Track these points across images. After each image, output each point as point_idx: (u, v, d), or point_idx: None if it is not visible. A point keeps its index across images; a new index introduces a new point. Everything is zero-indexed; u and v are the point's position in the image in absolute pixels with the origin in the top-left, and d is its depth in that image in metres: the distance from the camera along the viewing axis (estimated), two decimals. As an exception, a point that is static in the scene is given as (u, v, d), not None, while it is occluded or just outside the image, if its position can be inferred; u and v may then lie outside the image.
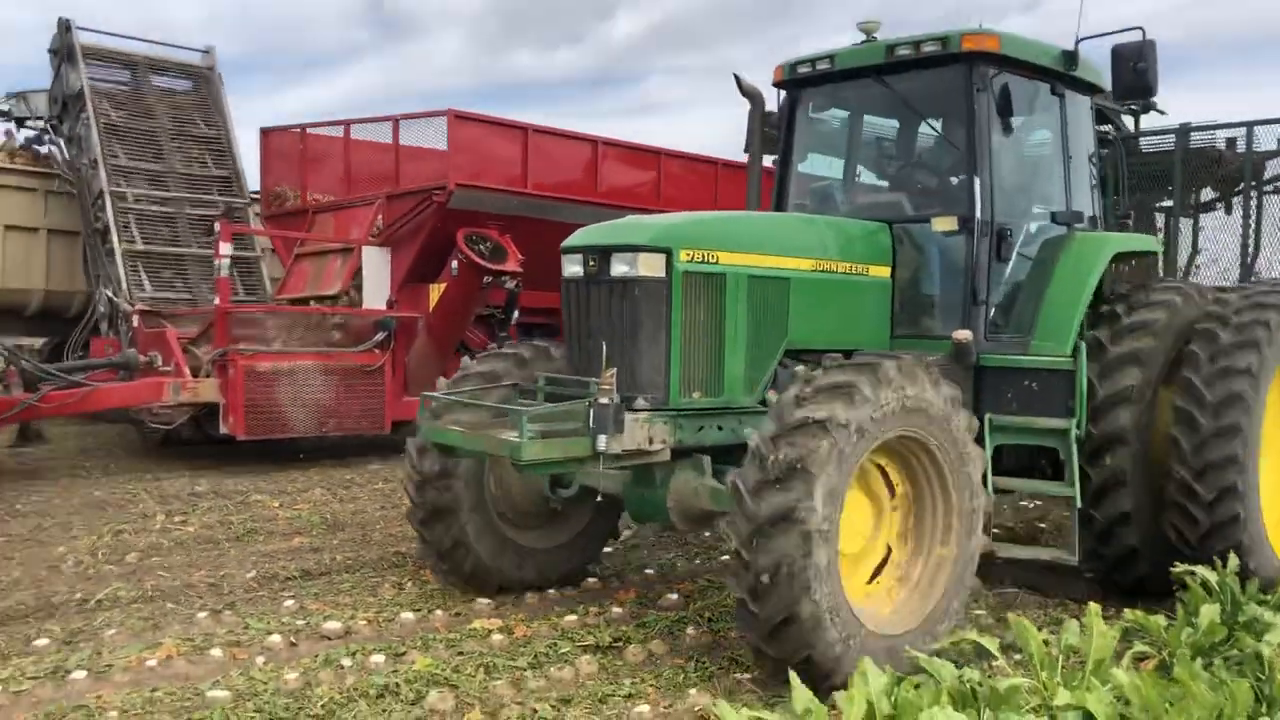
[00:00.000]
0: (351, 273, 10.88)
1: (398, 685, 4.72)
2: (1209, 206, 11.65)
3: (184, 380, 9.45)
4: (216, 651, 5.21)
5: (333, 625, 5.64)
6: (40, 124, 13.77)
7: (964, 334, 6.08)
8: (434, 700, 4.57)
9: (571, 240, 5.71)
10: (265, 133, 13.39)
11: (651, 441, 5.27)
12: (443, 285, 10.53)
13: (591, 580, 6.78)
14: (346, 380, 10.11)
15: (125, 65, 13.92)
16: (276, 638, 5.43)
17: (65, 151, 13.39)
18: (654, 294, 5.33)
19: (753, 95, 7.15)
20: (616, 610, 6.10)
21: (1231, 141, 10.31)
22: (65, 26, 13.34)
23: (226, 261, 9.61)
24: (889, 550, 5.25)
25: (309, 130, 12.62)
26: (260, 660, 5.12)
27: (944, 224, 6.30)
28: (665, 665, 5.15)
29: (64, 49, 13.32)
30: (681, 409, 5.42)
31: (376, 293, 10.83)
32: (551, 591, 6.49)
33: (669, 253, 5.34)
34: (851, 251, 6.23)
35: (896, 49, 6.53)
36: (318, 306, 10.84)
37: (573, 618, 5.90)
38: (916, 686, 3.98)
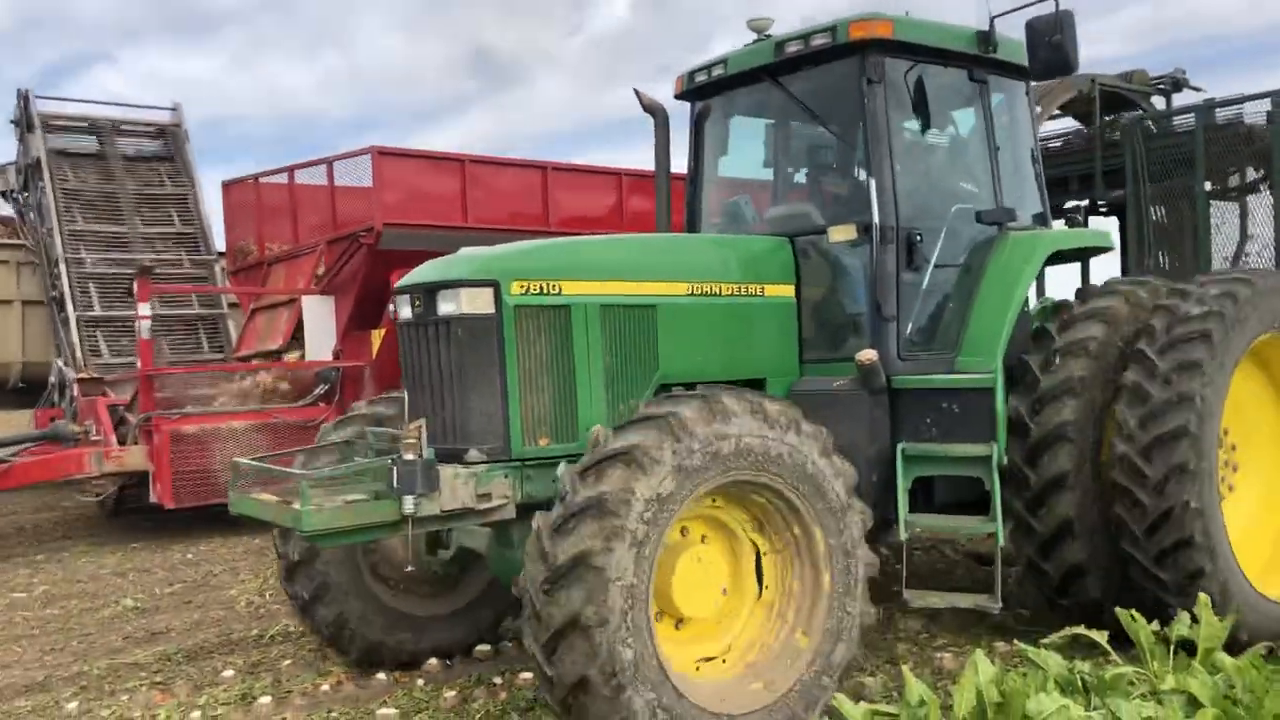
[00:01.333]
0: (293, 325, 10.44)
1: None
2: (1252, 188, 10.79)
3: (107, 449, 9.04)
4: (381, 676, 5.60)
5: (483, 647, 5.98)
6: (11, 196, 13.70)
7: (868, 354, 5.33)
8: None
9: (401, 280, 5.12)
10: (226, 186, 13.10)
11: (488, 498, 4.62)
12: (383, 330, 10.02)
13: (485, 648, 6.09)
14: (288, 437, 9.60)
15: (89, 130, 13.80)
16: (433, 660, 5.77)
17: (29, 221, 13.27)
18: (482, 333, 4.70)
19: (654, 110, 6.52)
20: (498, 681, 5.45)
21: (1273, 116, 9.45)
22: (23, 97, 13.26)
23: (146, 323, 9.20)
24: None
25: (261, 180, 12.29)
26: (420, 682, 5.50)
27: (842, 233, 5.59)
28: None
29: (24, 119, 13.23)
30: (527, 458, 4.76)
31: (321, 343, 10.36)
32: (453, 660, 5.88)
33: (496, 286, 4.71)
34: (741, 271, 5.55)
35: (785, 45, 5.88)
36: (257, 363, 10.41)
37: (451, 694, 5.25)
38: (1024, 675, 4.13)
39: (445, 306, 4.72)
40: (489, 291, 4.70)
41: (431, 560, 5.57)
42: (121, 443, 9.29)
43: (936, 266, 5.75)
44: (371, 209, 9.81)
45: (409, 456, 4.32)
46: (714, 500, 4.36)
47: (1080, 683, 4.17)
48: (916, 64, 5.64)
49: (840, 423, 5.41)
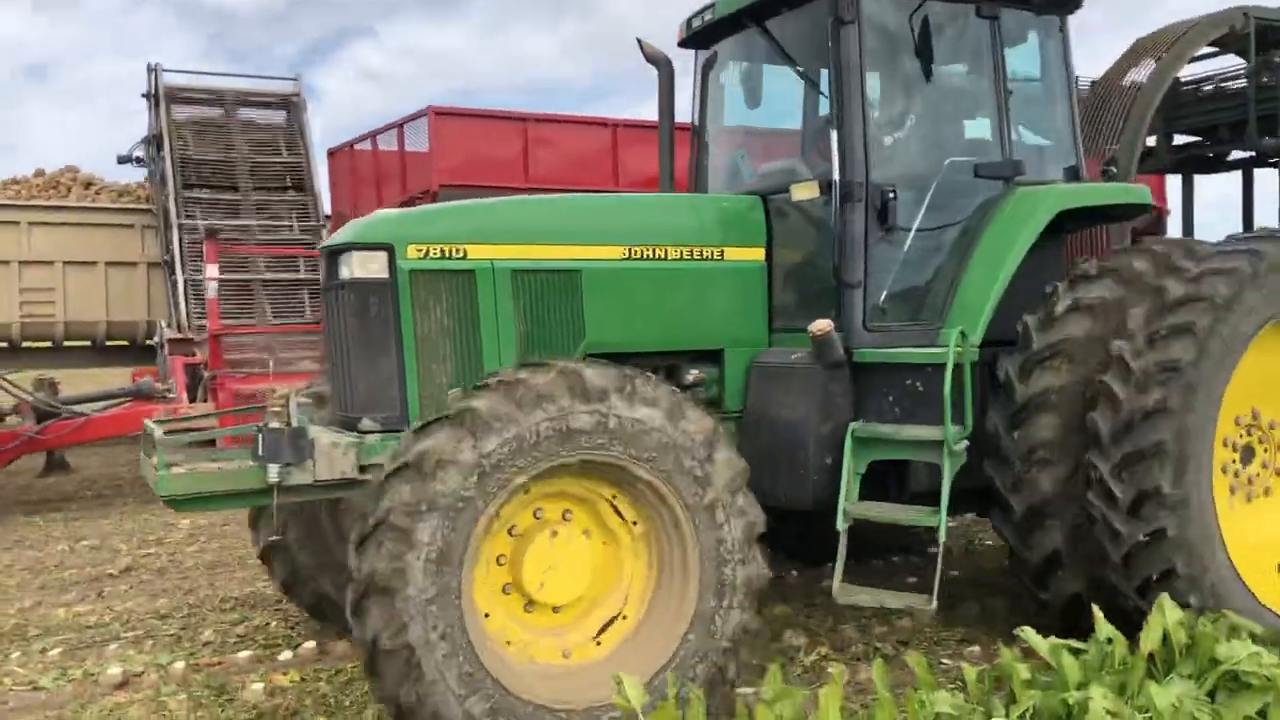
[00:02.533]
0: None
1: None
2: None
3: (175, 407, 9.43)
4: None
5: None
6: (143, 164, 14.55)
7: (821, 324, 4.78)
8: None
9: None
10: (330, 154, 13.46)
11: (379, 468, 4.40)
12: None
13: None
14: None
15: (214, 101, 14.45)
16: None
17: (154, 188, 14.05)
18: (375, 298, 4.46)
19: (657, 60, 6.09)
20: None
21: None
22: (153, 71, 14.00)
23: (214, 284, 9.52)
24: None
25: (355, 147, 12.51)
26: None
27: (803, 191, 5.03)
28: None
29: (153, 92, 13.97)
30: None
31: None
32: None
33: (391, 250, 4.47)
34: (695, 234, 5.09)
35: None
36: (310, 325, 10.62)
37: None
38: (1214, 620, 4.02)
39: (343, 271, 4.51)
40: (383, 255, 4.45)
41: None
42: (193, 401, 9.68)
43: (923, 228, 5.10)
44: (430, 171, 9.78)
45: (274, 425, 4.16)
46: (577, 478, 3.96)
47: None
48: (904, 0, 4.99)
49: (793, 398, 4.94)
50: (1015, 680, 3.65)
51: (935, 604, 4.37)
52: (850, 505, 4.61)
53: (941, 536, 4.41)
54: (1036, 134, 5.53)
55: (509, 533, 3.92)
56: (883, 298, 5.04)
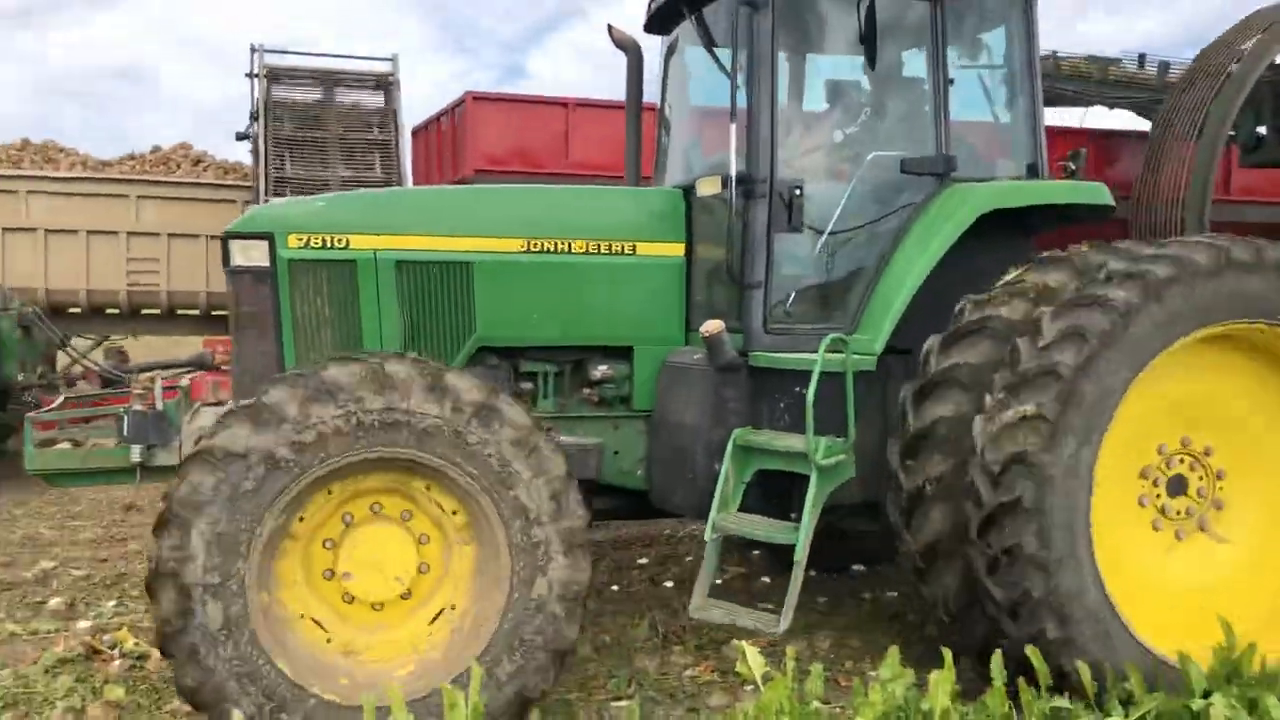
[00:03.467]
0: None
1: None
2: None
3: (223, 380, 9.88)
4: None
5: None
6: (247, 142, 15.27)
7: (711, 325, 4.59)
8: None
9: None
10: (414, 134, 13.76)
11: None
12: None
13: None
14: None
15: (312, 80, 15.00)
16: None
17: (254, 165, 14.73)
18: (256, 286, 4.57)
19: (625, 46, 5.97)
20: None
21: None
22: (255, 51, 14.66)
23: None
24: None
25: (428, 128, 12.75)
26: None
27: (708, 186, 4.84)
28: None
29: (255, 71, 14.62)
30: None
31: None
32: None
33: (271, 238, 4.55)
34: (605, 228, 4.97)
35: None
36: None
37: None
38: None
39: (231, 258, 4.63)
40: (263, 244, 4.54)
41: None
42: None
43: (841, 227, 4.82)
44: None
45: (138, 408, 4.33)
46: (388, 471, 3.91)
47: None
48: None
49: (688, 401, 4.80)
50: (1135, 684, 3.77)
51: (786, 625, 4.15)
52: (718, 517, 4.42)
53: (798, 555, 4.17)
54: (990, 126, 5.13)
55: (343, 521, 3.92)
56: (790, 299, 4.80)
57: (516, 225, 4.84)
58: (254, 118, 14.67)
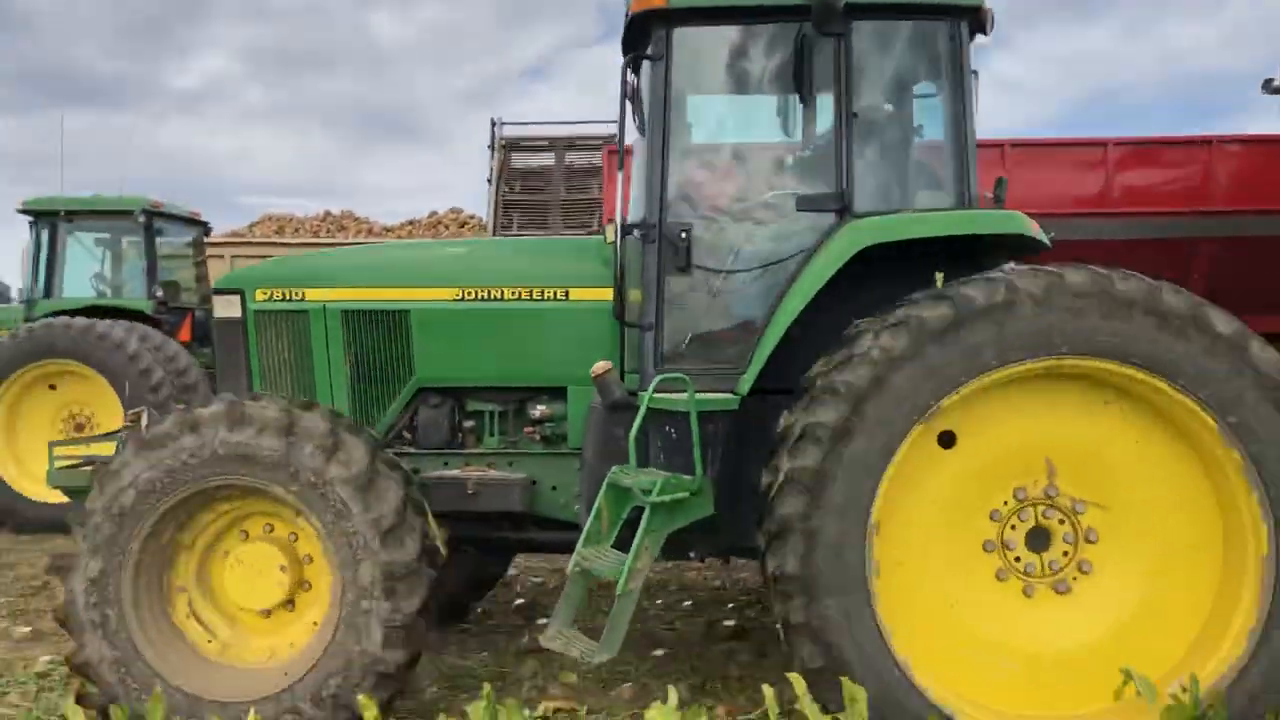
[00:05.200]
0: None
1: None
2: None
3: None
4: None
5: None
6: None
7: (600, 366, 4.81)
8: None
9: None
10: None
11: None
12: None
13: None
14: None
15: (545, 147, 16.39)
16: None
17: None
18: (232, 335, 5.38)
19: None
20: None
21: None
22: (495, 124, 16.26)
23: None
24: None
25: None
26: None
27: (610, 232, 5.04)
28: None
29: (493, 142, 16.24)
30: None
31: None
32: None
33: (242, 293, 5.35)
34: (538, 275, 5.31)
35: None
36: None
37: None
38: None
39: (215, 310, 5.49)
40: (236, 298, 5.36)
41: None
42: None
43: (739, 267, 4.84)
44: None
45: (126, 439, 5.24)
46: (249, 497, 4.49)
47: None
48: (725, 26, 4.81)
49: (590, 440, 5.00)
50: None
51: (606, 655, 4.24)
52: (582, 551, 4.58)
53: (620, 589, 4.25)
54: (912, 159, 4.90)
55: (239, 536, 4.57)
56: (686, 340, 4.88)
57: (452, 276, 5.31)
58: (489, 182, 16.24)
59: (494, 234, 15.15)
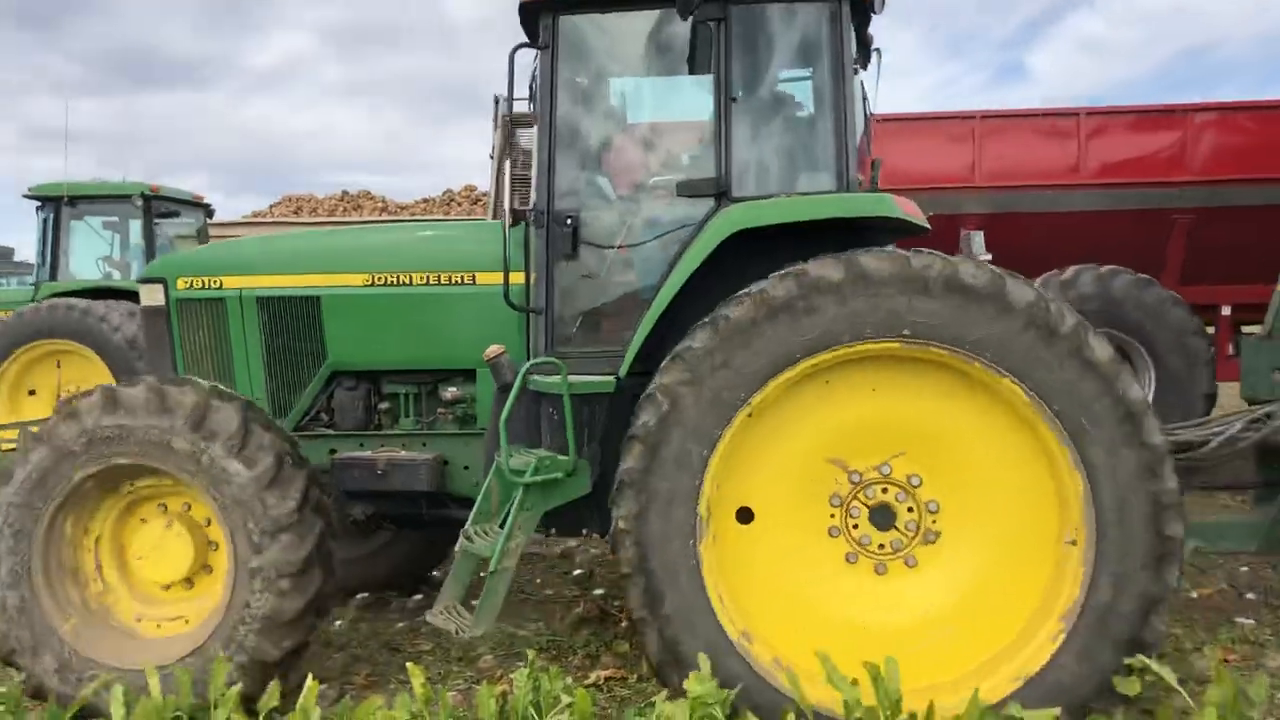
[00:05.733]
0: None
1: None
2: None
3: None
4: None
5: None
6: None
7: (492, 349, 4.95)
8: None
9: None
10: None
11: None
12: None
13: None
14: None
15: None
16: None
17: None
18: (156, 323, 5.60)
19: None
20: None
21: None
22: (496, 101, 16.34)
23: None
24: None
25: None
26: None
27: (510, 219, 5.16)
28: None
29: (495, 119, 16.33)
30: None
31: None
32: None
33: (165, 282, 5.56)
34: (444, 260, 5.45)
35: None
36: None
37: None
38: None
39: (142, 299, 5.70)
40: (159, 287, 5.57)
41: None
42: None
43: (625, 251, 4.93)
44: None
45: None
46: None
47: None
48: (608, 13, 4.89)
49: (491, 420, 5.14)
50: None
51: (480, 630, 4.41)
52: (469, 529, 4.73)
53: (493, 566, 4.40)
54: (793, 142, 4.93)
55: (156, 511, 4.81)
56: (577, 323, 4.99)
57: (361, 262, 5.46)
58: (491, 158, 16.30)
59: (494, 213, 15.29)
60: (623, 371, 4.66)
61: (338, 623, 5.97)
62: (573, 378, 4.65)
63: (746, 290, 4.10)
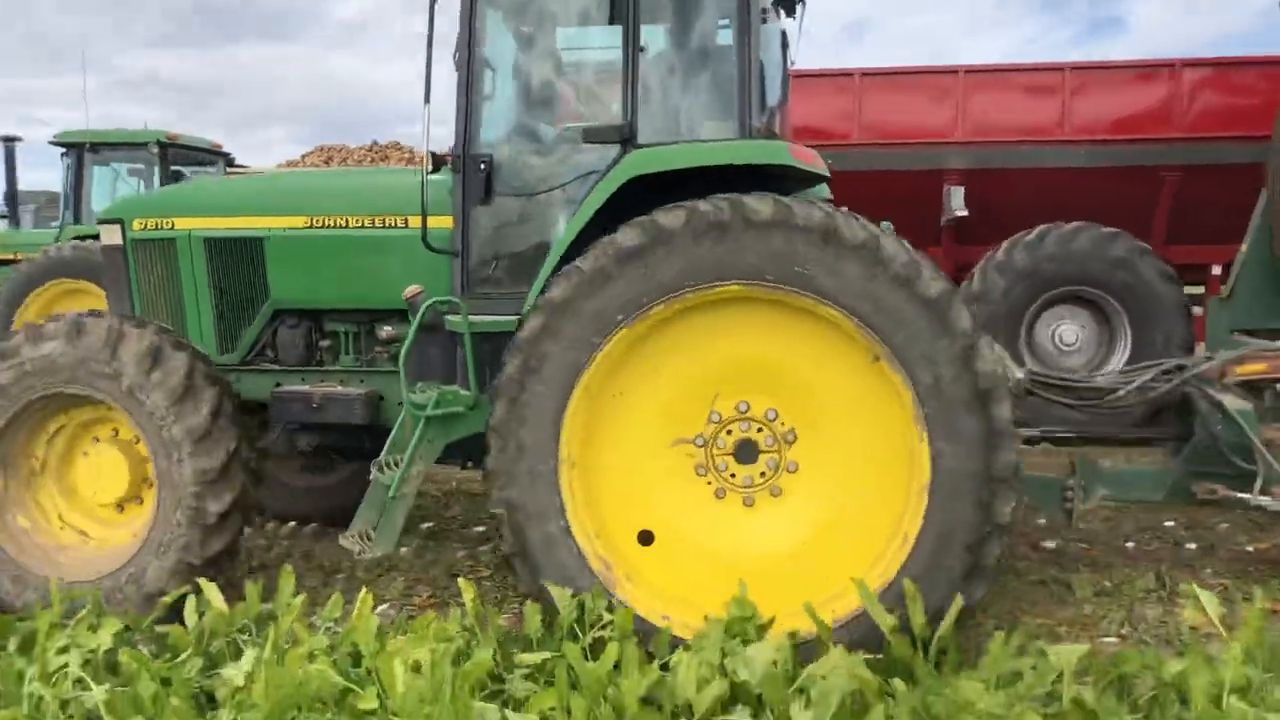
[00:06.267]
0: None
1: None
2: None
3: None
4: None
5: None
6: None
7: (410, 289, 5.20)
8: None
9: None
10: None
11: None
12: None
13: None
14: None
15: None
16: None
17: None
18: (116, 261, 5.93)
19: None
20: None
21: None
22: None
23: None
24: None
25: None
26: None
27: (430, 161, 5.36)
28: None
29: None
30: None
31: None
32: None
33: (122, 223, 5.88)
34: (378, 204, 5.69)
35: None
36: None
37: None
38: None
39: (101, 238, 6.03)
40: (117, 228, 5.89)
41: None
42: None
43: (535, 195, 5.14)
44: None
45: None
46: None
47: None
48: None
49: (412, 360, 5.40)
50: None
51: (378, 553, 4.71)
52: (381, 457, 5.01)
53: (392, 492, 4.68)
54: (698, 91, 5.07)
55: (90, 441, 5.18)
56: (494, 265, 5.21)
57: (301, 205, 5.72)
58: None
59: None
60: (525, 309, 4.87)
61: (403, 550, 6.29)
62: (476, 317, 4.89)
63: (599, 240, 4.29)
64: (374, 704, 3.54)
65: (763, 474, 4.34)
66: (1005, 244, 9.13)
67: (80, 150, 12.27)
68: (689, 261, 4.14)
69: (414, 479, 4.78)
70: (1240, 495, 4.94)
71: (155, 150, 12.15)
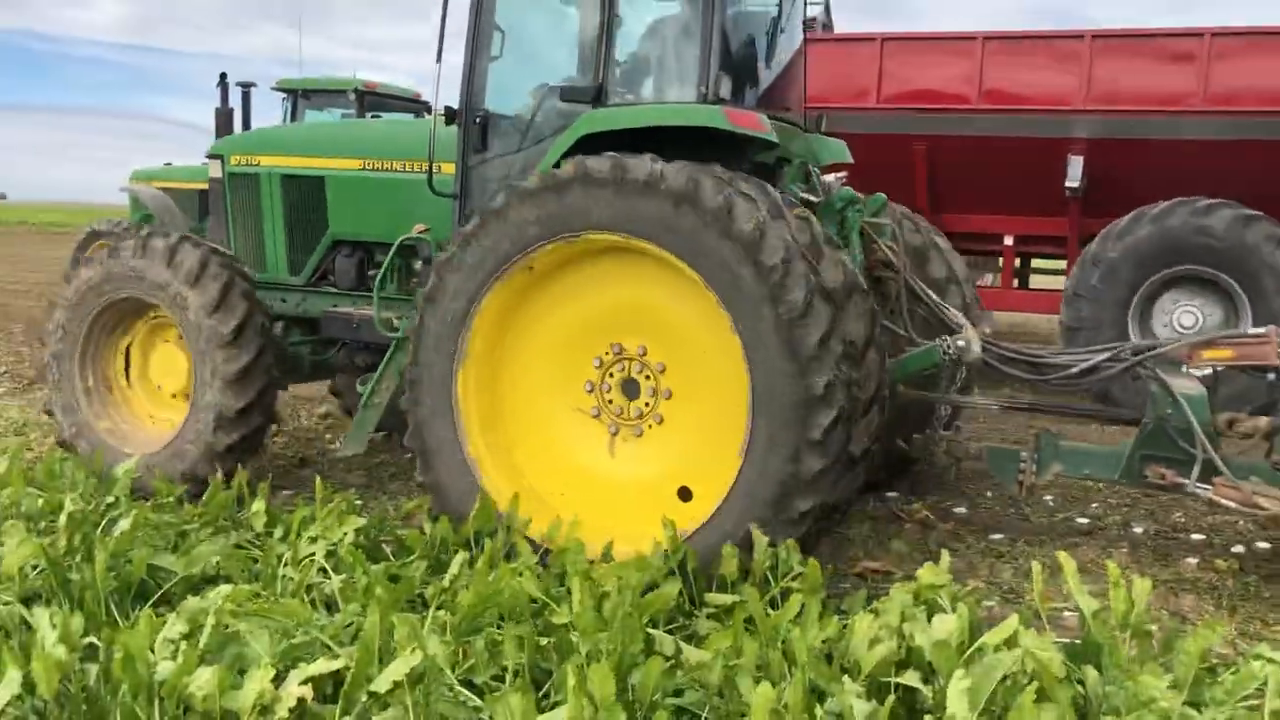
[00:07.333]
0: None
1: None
2: None
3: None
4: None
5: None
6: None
7: (417, 228, 5.94)
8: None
9: None
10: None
11: None
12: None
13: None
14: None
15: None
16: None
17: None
18: (218, 191, 7.03)
19: None
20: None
21: None
22: None
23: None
24: None
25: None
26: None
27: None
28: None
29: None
30: None
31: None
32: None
33: (223, 158, 6.95)
34: (411, 150, 6.39)
35: None
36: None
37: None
38: None
39: (209, 172, 7.13)
40: (218, 162, 6.98)
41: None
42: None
43: (521, 149, 5.68)
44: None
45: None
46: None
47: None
48: None
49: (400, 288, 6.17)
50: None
51: (349, 451, 5.49)
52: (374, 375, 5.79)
53: (363, 402, 5.48)
54: (666, 55, 5.40)
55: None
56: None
57: (357, 149, 6.55)
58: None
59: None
60: None
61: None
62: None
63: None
64: (565, 619, 3.73)
65: (646, 404, 4.73)
66: (1127, 218, 8.75)
67: (295, 96, 13.89)
68: (544, 218, 4.64)
69: (383, 391, 5.52)
70: (1180, 480, 4.79)
71: (353, 97, 13.57)
